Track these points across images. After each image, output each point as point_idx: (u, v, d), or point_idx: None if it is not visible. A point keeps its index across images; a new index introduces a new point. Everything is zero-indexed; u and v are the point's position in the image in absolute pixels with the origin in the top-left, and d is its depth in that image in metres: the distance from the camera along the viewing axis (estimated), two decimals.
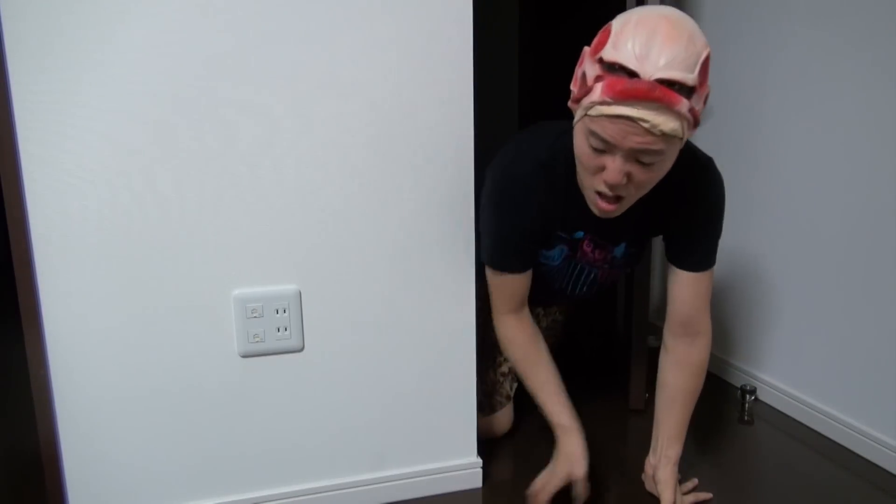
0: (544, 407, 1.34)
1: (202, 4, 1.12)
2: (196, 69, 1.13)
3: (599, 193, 1.13)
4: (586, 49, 1.07)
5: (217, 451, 1.27)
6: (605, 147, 1.06)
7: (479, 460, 1.43)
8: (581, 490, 1.26)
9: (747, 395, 1.76)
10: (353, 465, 1.35)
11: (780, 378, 1.78)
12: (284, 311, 1.25)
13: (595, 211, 1.18)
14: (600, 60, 1.02)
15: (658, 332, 2.23)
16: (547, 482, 1.28)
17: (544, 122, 1.32)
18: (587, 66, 1.06)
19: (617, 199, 1.13)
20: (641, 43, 0.98)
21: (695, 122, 1.05)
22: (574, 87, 1.09)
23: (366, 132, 1.23)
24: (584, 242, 1.33)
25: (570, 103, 1.11)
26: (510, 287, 1.32)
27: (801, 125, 1.64)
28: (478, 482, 1.43)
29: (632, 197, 1.14)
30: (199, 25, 1.12)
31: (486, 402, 1.56)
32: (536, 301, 1.64)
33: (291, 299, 1.25)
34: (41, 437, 1.18)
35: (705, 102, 1.06)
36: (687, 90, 1.00)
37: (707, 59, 1.01)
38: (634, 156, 1.05)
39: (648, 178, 1.10)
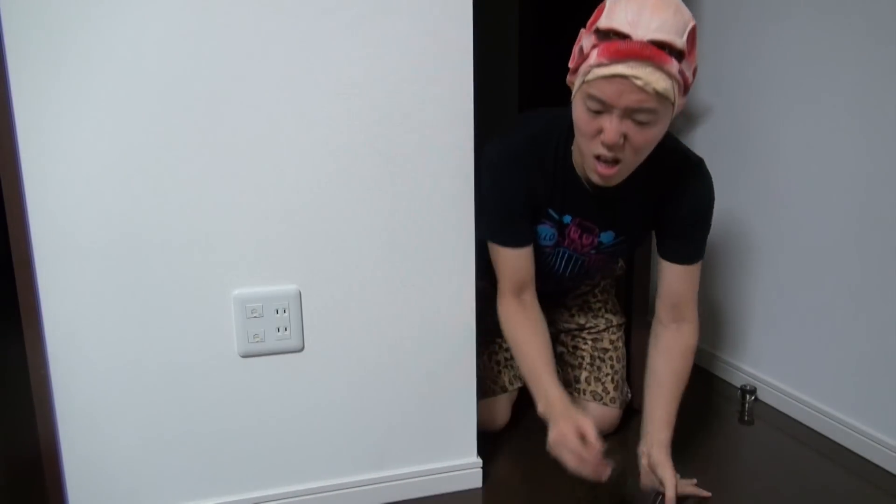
0: (535, 384, 1.28)
1: (203, 5, 1.12)
2: (196, 69, 1.13)
3: (598, 158, 1.18)
4: (582, 30, 1.15)
5: (217, 451, 1.27)
6: (602, 108, 1.12)
7: (479, 460, 1.43)
8: (594, 440, 1.17)
9: (747, 395, 1.76)
10: (353, 465, 1.35)
11: (780, 378, 1.78)
12: (284, 311, 1.25)
13: (594, 178, 1.22)
14: (596, 31, 1.11)
15: None
16: (561, 441, 1.18)
17: (544, 108, 1.37)
18: (584, 40, 1.14)
19: (615, 161, 1.17)
20: (633, 11, 1.07)
21: (685, 87, 1.12)
22: (571, 63, 1.17)
23: (366, 132, 1.23)
24: (572, 229, 1.39)
25: (568, 77, 1.19)
26: (510, 263, 1.35)
27: (801, 123, 1.64)
28: (478, 482, 1.43)
29: (629, 162, 1.18)
30: (199, 26, 1.12)
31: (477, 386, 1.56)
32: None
33: (291, 299, 1.25)
34: (41, 437, 1.18)
35: (694, 75, 1.14)
36: (676, 53, 1.07)
37: (694, 31, 1.09)
38: (630, 115, 1.11)
39: (643, 140, 1.15)
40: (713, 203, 1.35)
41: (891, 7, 1.40)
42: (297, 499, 1.32)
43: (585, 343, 1.68)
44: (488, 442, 1.52)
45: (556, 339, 1.73)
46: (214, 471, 1.28)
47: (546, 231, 1.40)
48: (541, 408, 1.28)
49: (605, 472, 1.17)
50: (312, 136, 1.21)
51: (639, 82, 1.07)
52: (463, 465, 1.42)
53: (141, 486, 1.25)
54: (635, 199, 1.33)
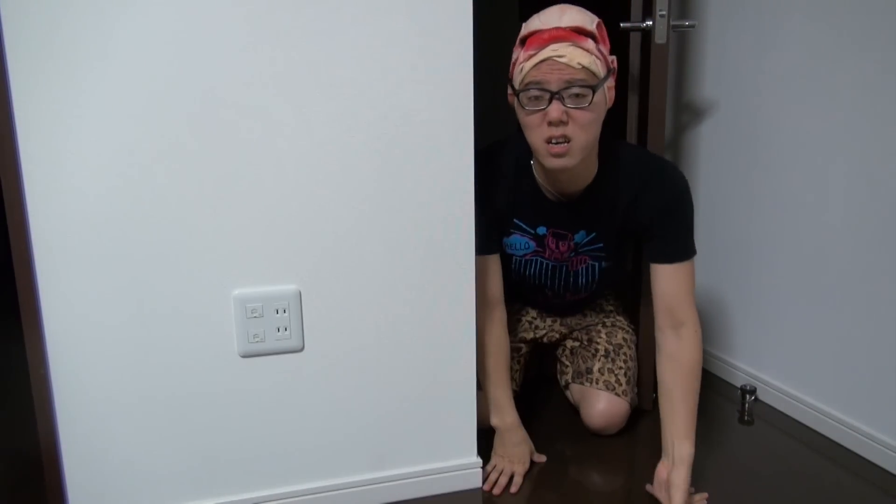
0: (492, 394, 1.48)
1: (201, 5, 1.12)
2: (196, 69, 1.13)
3: (549, 143, 1.27)
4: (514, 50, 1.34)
5: (217, 451, 1.28)
6: (540, 93, 1.24)
7: (479, 460, 1.43)
8: (519, 481, 1.43)
9: (747, 395, 1.76)
10: (353, 465, 1.35)
11: (780, 378, 1.78)
12: (284, 311, 1.25)
13: (550, 164, 1.30)
14: (519, 41, 1.29)
15: None
16: (496, 479, 1.43)
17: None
18: (514, 56, 1.31)
19: (565, 140, 1.26)
20: (545, 15, 1.26)
21: (607, 66, 1.27)
22: (510, 77, 1.32)
23: (365, 132, 1.23)
24: (549, 239, 1.50)
25: (509, 97, 1.33)
26: (481, 268, 1.41)
27: (802, 123, 1.64)
28: (478, 482, 1.43)
29: (579, 140, 1.27)
30: (198, 26, 1.12)
31: None
32: (532, 302, 1.71)
33: (291, 299, 1.25)
34: (41, 437, 1.18)
35: (615, 67, 1.29)
36: (588, 34, 1.24)
37: (602, 25, 1.27)
38: (566, 93, 1.23)
39: (586, 117, 1.25)
40: (686, 198, 1.39)
41: (893, 6, 1.40)
42: (296, 499, 1.32)
43: (600, 336, 1.69)
44: (488, 442, 1.52)
45: (569, 337, 1.75)
46: (214, 471, 1.28)
47: (518, 241, 1.52)
48: (495, 421, 1.48)
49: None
50: (312, 136, 1.21)
51: (563, 59, 1.21)
52: (463, 465, 1.42)
53: (141, 486, 1.25)
54: (602, 204, 1.43)
